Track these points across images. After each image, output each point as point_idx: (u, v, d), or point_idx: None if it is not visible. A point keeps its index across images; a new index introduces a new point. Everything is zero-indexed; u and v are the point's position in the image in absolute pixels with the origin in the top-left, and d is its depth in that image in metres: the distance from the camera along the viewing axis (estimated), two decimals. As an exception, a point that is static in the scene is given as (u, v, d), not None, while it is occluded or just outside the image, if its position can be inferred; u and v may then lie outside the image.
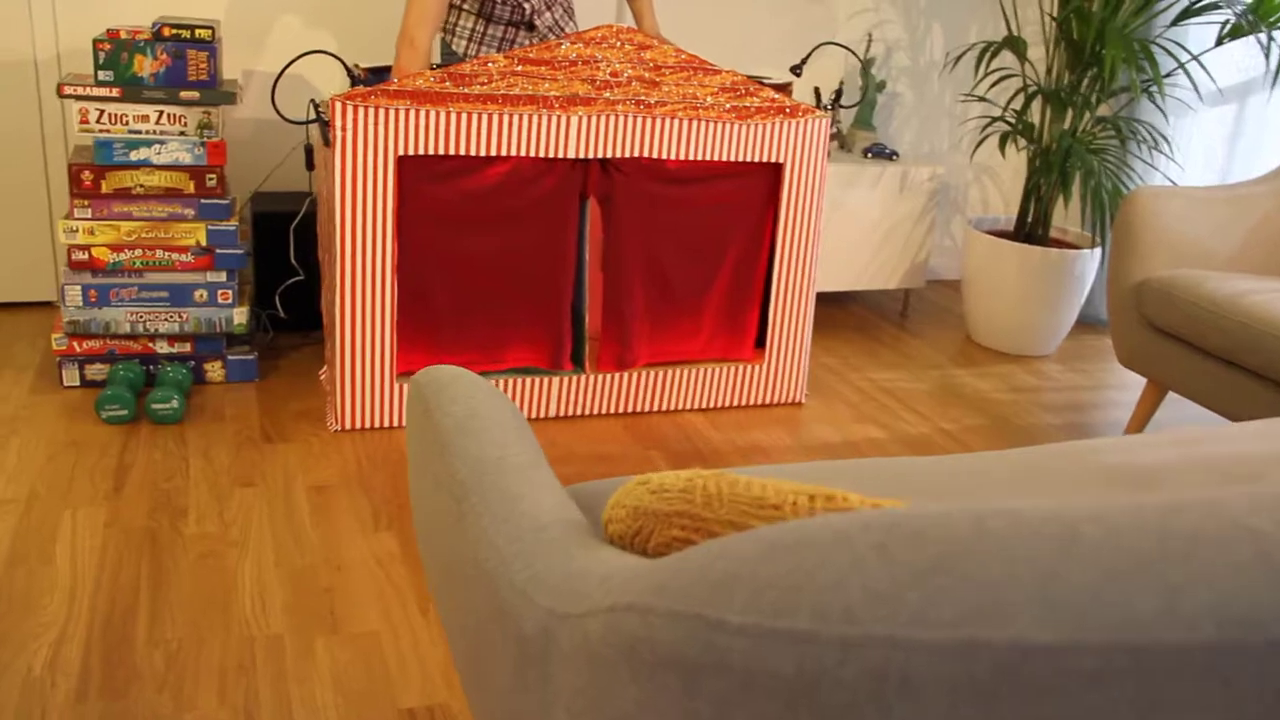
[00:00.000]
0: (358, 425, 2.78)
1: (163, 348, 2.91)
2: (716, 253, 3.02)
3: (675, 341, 3.05)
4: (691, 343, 3.07)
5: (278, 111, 2.71)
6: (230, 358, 2.98)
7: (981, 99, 3.75)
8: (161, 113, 2.78)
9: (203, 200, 2.85)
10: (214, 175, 2.84)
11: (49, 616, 1.96)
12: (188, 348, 2.94)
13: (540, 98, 2.68)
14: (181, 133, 2.80)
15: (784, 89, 3.18)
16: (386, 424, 2.80)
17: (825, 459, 2.82)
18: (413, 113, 2.58)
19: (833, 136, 4.03)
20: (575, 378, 2.94)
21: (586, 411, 2.98)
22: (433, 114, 2.60)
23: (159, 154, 2.79)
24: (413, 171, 2.66)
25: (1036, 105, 4.30)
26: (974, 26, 4.27)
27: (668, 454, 2.80)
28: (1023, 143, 3.83)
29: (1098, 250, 3.69)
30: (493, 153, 2.69)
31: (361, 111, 2.55)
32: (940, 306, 4.24)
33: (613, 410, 3.00)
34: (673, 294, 3.01)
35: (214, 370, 2.98)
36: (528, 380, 2.89)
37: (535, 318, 2.89)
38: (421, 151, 2.63)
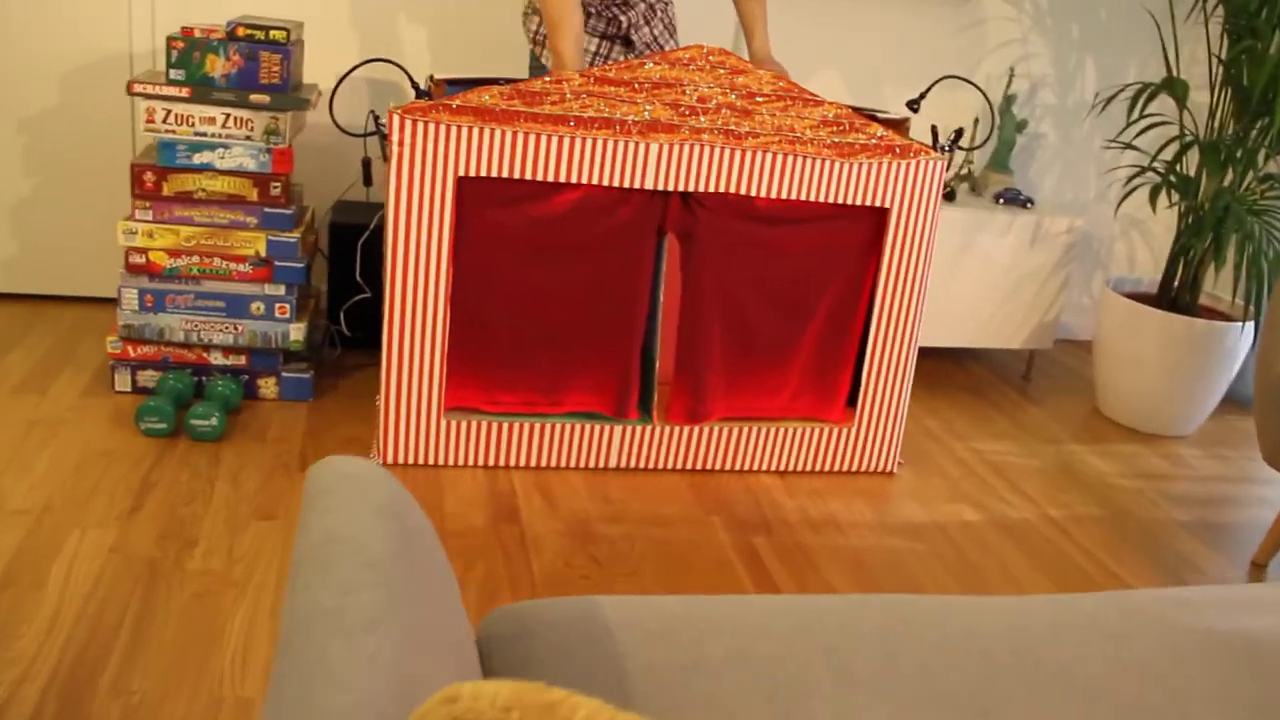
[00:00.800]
0: (401, 460, 2.61)
1: (217, 359, 2.80)
2: (808, 302, 2.74)
3: (755, 397, 2.78)
4: (773, 399, 2.80)
5: (334, 122, 2.56)
6: (285, 375, 2.85)
7: (1128, 146, 3.37)
8: (229, 116, 2.66)
9: (265, 209, 2.72)
10: (278, 184, 2.71)
11: (18, 651, 1.82)
12: (242, 361, 2.81)
13: (617, 121, 2.45)
14: (247, 137, 2.68)
15: (899, 125, 2.88)
16: (431, 461, 2.62)
17: (905, 541, 2.52)
18: (476, 131, 2.39)
19: (963, 178, 3.70)
20: (640, 428, 2.70)
21: (650, 465, 2.73)
22: (498, 133, 2.40)
23: (223, 158, 2.68)
24: (474, 194, 2.47)
25: (1194, 157, 3.87)
26: (1132, 65, 3.87)
27: (730, 520, 2.54)
28: (1175, 197, 3.42)
29: (1252, 324, 3.26)
30: (562, 179, 2.47)
31: (421, 126, 2.37)
32: (1069, 370, 3.85)
33: (679, 466, 2.75)
34: (755, 344, 2.74)
35: (267, 386, 2.85)
36: (587, 427, 2.66)
37: (601, 360, 2.67)
38: (484, 173, 2.43)
